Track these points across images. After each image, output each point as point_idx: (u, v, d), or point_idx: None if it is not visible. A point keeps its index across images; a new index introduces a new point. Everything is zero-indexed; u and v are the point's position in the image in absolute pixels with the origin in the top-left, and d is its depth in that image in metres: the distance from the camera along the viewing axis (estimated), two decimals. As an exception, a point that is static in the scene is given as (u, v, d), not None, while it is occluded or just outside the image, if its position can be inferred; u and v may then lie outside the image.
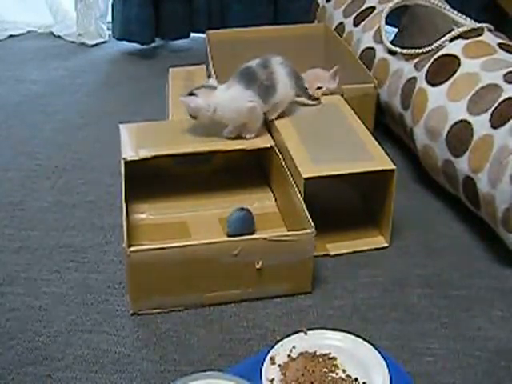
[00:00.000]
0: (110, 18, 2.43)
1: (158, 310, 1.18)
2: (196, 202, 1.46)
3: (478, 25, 1.51)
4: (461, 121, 1.36)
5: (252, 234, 1.32)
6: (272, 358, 1.04)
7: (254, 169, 1.55)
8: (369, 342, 1.07)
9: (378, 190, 1.35)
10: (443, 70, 1.46)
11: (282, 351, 1.06)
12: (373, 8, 1.81)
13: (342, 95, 1.56)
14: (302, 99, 1.48)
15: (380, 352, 1.05)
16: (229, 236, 1.32)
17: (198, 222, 1.41)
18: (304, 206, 1.22)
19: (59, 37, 2.53)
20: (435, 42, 1.50)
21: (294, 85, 1.42)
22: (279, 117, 1.44)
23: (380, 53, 1.69)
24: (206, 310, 1.19)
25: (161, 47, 2.44)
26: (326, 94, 1.57)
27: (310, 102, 1.49)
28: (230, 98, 1.37)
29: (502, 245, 1.31)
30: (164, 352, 1.11)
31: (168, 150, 1.39)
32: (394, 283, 1.26)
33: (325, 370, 1.03)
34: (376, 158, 1.32)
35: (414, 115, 1.50)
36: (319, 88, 1.57)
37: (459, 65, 1.43)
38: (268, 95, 1.38)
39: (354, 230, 1.39)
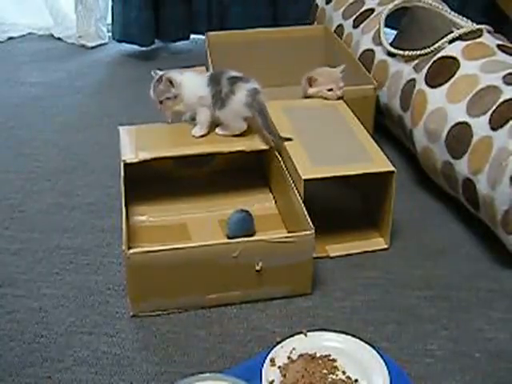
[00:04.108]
0: (109, 20, 2.43)
1: (157, 312, 1.18)
2: (196, 204, 1.46)
3: (477, 26, 1.51)
4: (460, 122, 1.36)
5: (252, 235, 1.33)
6: (272, 360, 1.04)
7: (253, 170, 1.55)
8: (369, 344, 1.07)
9: (377, 191, 1.35)
10: (442, 71, 1.46)
11: (281, 353, 1.06)
12: (372, 10, 1.81)
13: (342, 97, 1.56)
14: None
15: (380, 353, 1.05)
16: (228, 238, 1.32)
17: (198, 223, 1.41)
18: (303, 207, 1.22)
19: (59, 39, 2.52)
20: (434, 43, 1.51)
21: (256, 115, 1.39)
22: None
23: (379, 55, 1.69)
24: (206, 312, 1.19)
25: (161, 49, 2.43)
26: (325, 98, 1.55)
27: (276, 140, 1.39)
28: (191, 82, 1.43)
29: (502, 246, 1.31)
30: (164, 354, 1.11)
31: (168, 152, 1.39)
32: (394, 285, 1.26)
33: (325, 371, 1.03)
34: (375, 160, 1.32)
35: (413, 117, 1.50)
36: (330, 90, 1.54)
37: (458, 66, 1.43)
38: (219, 104, 1.39)
39: (354, 232, 1.39)
